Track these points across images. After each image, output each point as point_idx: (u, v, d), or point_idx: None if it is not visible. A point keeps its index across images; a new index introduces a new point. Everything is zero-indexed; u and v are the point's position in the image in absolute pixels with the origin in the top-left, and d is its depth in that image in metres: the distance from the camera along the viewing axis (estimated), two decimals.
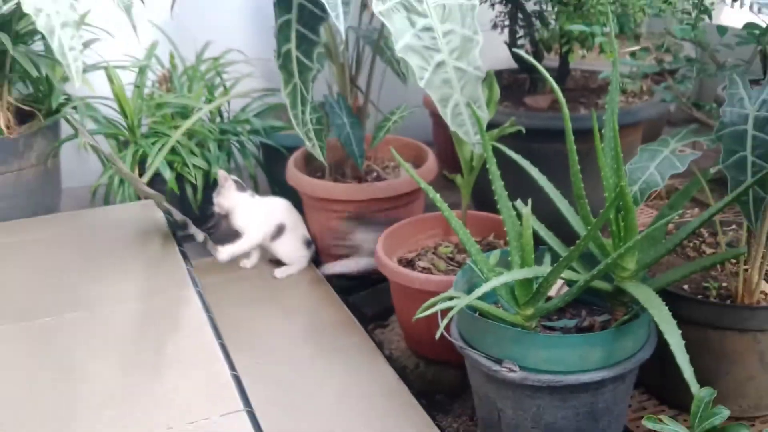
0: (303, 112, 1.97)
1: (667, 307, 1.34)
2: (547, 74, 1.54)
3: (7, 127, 2.33)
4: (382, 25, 2.12)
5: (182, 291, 1.84)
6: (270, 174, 2.71)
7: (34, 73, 2.31)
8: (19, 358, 1.61)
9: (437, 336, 1.38)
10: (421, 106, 2.70)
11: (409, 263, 1.94)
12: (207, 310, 1.75)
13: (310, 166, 2.32)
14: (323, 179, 2.27)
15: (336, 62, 2.22)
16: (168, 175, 2.42)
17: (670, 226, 1.74)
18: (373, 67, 2.26)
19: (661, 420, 1.17)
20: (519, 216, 1.50)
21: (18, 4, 2.18)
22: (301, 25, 1.90)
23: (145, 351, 1.63)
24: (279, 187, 2.67)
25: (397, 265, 1.86)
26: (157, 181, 2.44)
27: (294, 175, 2.26)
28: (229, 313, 2.00)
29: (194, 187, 2.47)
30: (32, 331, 1.69)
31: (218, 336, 1.65)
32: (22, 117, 2.42)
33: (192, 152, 2.47)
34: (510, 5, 2.46)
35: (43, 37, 2.36)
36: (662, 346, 1.32)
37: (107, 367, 1.57)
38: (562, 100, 1.48)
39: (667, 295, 1.43)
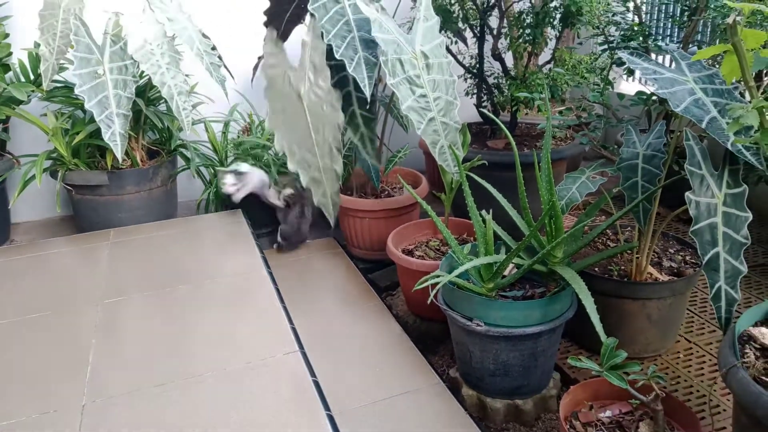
0: (373, 149, 1.98)
1: (584, 282, 1.33)
2: (503, 126, 1.54)
3: (142, 161, 2.34)
4: (393, 92, 2.14)
5: (258, 271, 1.85)
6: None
7: (160, 126, 2.32)
8: (149, 317, 1.63)
9: (429, 301, 1.38)
10: (417, 146, 2.70)
11: (409, 252, 1.93)
12: (275, 283, 1.76)
13: (344, 186, 2.31)
14: (352, 196, 2.26)
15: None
16: None
17: (586, 228, 1.73)
18: (386, 121, 2.25)
19: (580, 359, 1.16)
20: (484, 221, 1.50)
21: (149, 79, 2.21)
22: (360, 93, 1.91)
23: (233, 311, 1.64)
24: None
25: (401, 254, 1.85)
26: None
27: None
28: (287, 287, 2.00)
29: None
30: (157, 299, 1.70)
31: (281, 301, 1.66)
32: (151, 154, 2.44)
33: None
34: (477, 80, 2.45)
35: (166, 101, 2.40)
36: (581, 309, 1.31)
37: (208, 322, 1.58)
38: (513, 142, 1.48)
39: (584, 275, 1.42)
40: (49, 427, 1.19)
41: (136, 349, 1.45)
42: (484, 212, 1.52)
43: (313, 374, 1.32)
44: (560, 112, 1.85)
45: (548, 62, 2.37)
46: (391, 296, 2.06)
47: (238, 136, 2.65)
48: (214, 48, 2.15)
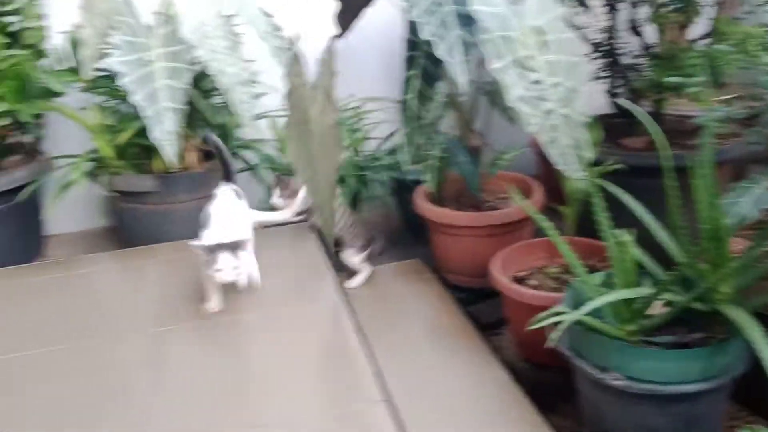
0: (412, 151, 1.97)
1: (760, 328, 1.26)
2: (648, 119, 1.49)
3: (195, 164, 2.46)
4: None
5: (331, 299, 1.88)
6: (400, 204, 2.73)
7: (216, 122, 2.43)
8: (203, 351, 1.69)
9: (546, 345, 1.35)
10: (527, 145, 2.66)
11: (520, 281, 1.91)
12: (351, 315, 1.78)
13: (435, 197, 2.31)
14: (445, 208, 2.26)
15: (457, 110, 2.21)
16: None
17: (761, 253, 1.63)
18: (490, 114, 2.24)
19: (753, 429, 1.10)
20: (620, 242, 1.45)
21: (203, 67, 2.32)
22: (423, 80, 1.90)
23: (303, 347, 1.67)
24: (407, 215, 2.69)
25: (510, 282, 1.83)
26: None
27: (420, 204, 2.27)
28: (363, 320, 2.01)
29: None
30: (212, 329, 1.76)
31: (360, 337, 1.68)
32: (206, 155, 2.55)
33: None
34: (608, 60, 2.39)
35: (221, 93, 2.51)
36: (757, 363, 1.24)
37: (273, 361, 1.62)
38: (663, 141, 1.43)
39: (761, 317, 1.34)
40: None
41: (190, 389, 1.51)
42: (620, 231, 1.47)
43: (402, 429, 1.32)
44: (722, 102, 1.77)
45: (704, 37, 2.28)
46: (496, 335, 2.03)
47: None
48: (279, 29, 2.22)
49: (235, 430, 1.37)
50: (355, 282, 2.21)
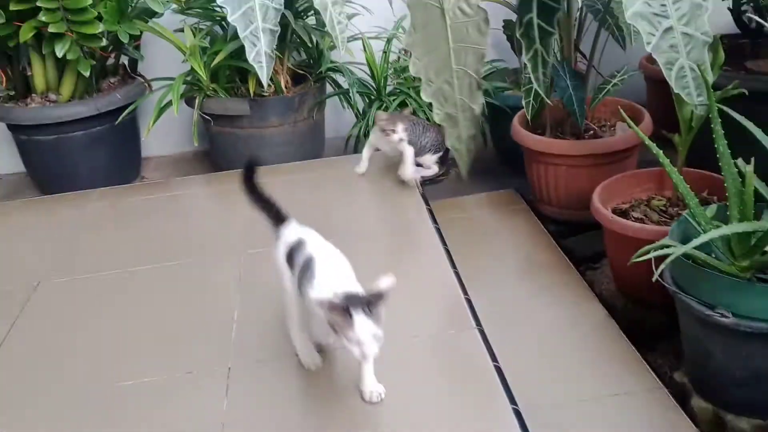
0: (544, 74, 1.93)
1: None
2: None
3: (286, 88, 2.50)
4: None
5: (423, 228, 1.91)
6: (494, 130, 2.69)
7: (309, 44, 2.46)
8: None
9: (654, 279, 1.33)
10: (637, 69, 2.55)
11: (623, 213, 1.86)
12: (444, 243, 1.81)
13: (533, 124, 2.27)
14: (544, 135, 2.22)
15: (564, 30, 2.14)
16: None
17: None
18: (598, 35, 2.15)
19: None
20: (740, 174, 1.39)
21: None
22: None
23: (395, 274, 1.71)
24: (502, 142, 2.66)
25: (612, 214, 1.79)
26: None
27: (518, 131, 2.23)
28: (454, 250, 2.03)
29: None
30: None
31: (453, 266, 1.70)
32: (296, 79, 2.59)
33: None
34: None
35: (316, 13, 2.52)
36: None
37: (365, 286, 1.68)
38: None
39: None
40: (193, 388, 1.36)
41: (281, 311, 1.59)
42: (740, 162, 1.41)
43: (494, 359, 1.35)
44: None
45: None
46: (593, 270, 2.01)
47: (399, 59, 2.71)
48: None
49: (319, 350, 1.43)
50: (412, 172, 2.14)
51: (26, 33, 2.32)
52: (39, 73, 2.53)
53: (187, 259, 1.87)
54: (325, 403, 1.30)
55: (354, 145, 2.60)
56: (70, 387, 1.41)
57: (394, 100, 2.52)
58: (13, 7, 2.28)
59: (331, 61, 2.62)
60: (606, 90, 2.15)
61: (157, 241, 1.99)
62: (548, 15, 1.89)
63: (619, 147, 2.10)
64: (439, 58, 1.68)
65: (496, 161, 2.72)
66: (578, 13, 2.20)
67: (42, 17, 2.27)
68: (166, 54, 2.66)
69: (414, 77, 2.50)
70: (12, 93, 2.60)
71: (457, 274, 1.66)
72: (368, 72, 2.65)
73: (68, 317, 1.66)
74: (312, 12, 2.54)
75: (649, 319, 1.78)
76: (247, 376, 1.38)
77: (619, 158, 2.11)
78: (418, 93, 2.41)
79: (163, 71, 2.67)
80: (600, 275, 1.98)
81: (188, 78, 2.47)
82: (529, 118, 2.11)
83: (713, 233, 1.30)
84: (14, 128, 2.58)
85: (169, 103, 2.38)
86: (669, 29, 1.52)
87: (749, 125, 1.48)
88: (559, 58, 2.18)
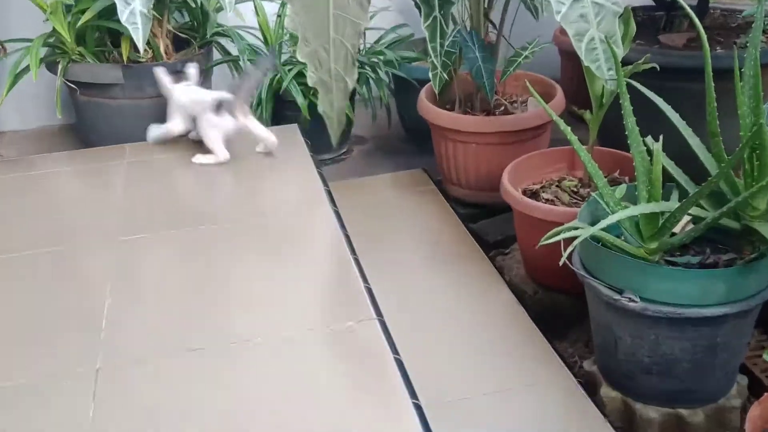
0: (442, 45, 1.98)
1: None
2: (690, 11, 1.48)
3: (166, 53, 2.44)
4: None
5: (320, 209, 1.91)
6: (400, 104, 2.73)
7: (192, 3, 2.41)
8: (176, 262, 1.73)
9: (561, 263, 1.38)
10: (551, 41, 2.63)
11: (533, 195, 1.93)
12: (343, 227, 1.82)
13: (441, 98, 2.31)
14: (453, 111, 2.26)
15: None
16: (300, 101, 2.46)
17: None
18: (507, 5, 2.21)
19: None
20: (649, 152, 1.47)
21: None
22: None
23: (288, 261, 1.71)
24: (408, 117, 2.70)
25: (521, 195, 1.86)
26: (290, 107, 2.52)
27: (425, 106, 2.27)
28: (356, 233, 2.05)
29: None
30: (186, 239, 1.78)
31: (353, 252, 1.71)
32: (178, 44, 2.53)
33: None
34: None
35: None
36: None
37: (253, 273, 1.66)
38: (704, 37, 1.42)
39: None
40: (56, 392, 1.32)
41: (163, 302, 1.56)
42: (650, 139, 1.49)
43: (395, 351, 1.37)
44: None
45: None
46: (503, 255, 2.08)
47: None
48: None
49: (217, 344, 1.41)
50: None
51: None
52: None
53: (51, 247, 1.79)
54: (204, 406, 1.29)
55: None
56: None
57: (290, 70, 2.51)
58: None
59: (218, 25, 2.58)
60: (517, 63, 2.21)
61: (14, 227, 1.90)
62: None
63: (531, 124, 2.17)
64: (318, 21, 1.68)
65: (403, 138, 2.78)
66: None
67: None
68: (23, 11, 2.54)
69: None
70: None
71: (356, 261, 1.67)
72: (261, 38, 2.63)
73: None
74: None
75: (559, 306, 1.86)
76: (118, 378, 1.35)
77: (531, 136, 2.19)
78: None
79: (19, 32, 2.55)
80: (510, 261, 2.05)
81: (50, 40, 2.37)
82: (436, 91, 2.15)
83: (621, 214, 1.37)
84: None
85: (27, 69, 2.28)
86: None
87: (659, 101, 1.57)
88: (468, 28, 2.23)
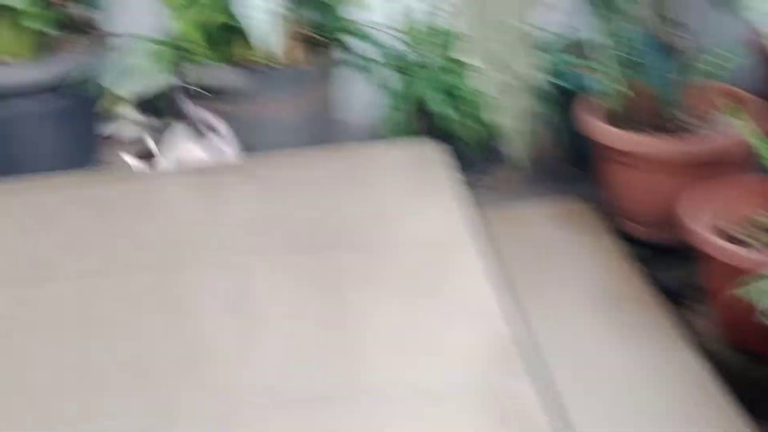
0: (620, 51, 1.95)
1: None
2: None
3: (294, 55, 2.52)
4: None
5: (466, 241, 1.88)
6: (562, 119, 2.68)
7: None
8: (299, 293, 1.73)
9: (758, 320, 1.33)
10: (749, 46, 2.54)
11: (725, 234, 1.87)
12: (497, 265, 1.79)
13: (612, 114, 2.27)
14: (627, 130, 2.21)
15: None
16: (446, 111, 2.49)
17: None
18: (700, 6, 2.16)
19: None
20: None
21: None
22: None
23: (430, 300, 1.69)
24: (571, 135, 2.65)
25: (712, 236, 1.80)
26: (433, 118, 2.53)
27: (592, 123, 2.23)
28: (514, 271, 2.03)
29: (471, 129, 2.52)
30: (309, 267, 1.79)
31: (508, 295, 1.69)
32: (304, 44, 2.59)
33: None
34: None
35: None
36: None
37: (386, 312, 1.63)
38: None
39: None
40: None
41: (284, 341, 1.56)
42: None
43: (557, 416, 1.34)
44: None
45: None
46: (690, 308, 2.02)
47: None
48: None
49: (344, 392, 1.41)
50: None
51: None
52: None
53: (164, 268, 1.83)
54: None
55: (378, 130, 2.61)
56: None
57: (433, 76, 2.53)
58: None
59: (350, 21, 2.63)
60: (709, 73, 2.15)
61: (126, 244, 1.96)
62: None
63: (725, 148, 2.10)
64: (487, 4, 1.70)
65: (563, 159, 2.73)
66: None
67: None
68: (142, 6, 2.69)
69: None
70: None
71: (512, 306, 1.64)
72: (401, 37, 2.66)
73: (13, 341, 1.64)
74: None
75: (764, 376, 1.77)
76: (250, 425, 1.36)
77: (722, 163, 2.12)
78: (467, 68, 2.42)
79: (138, 28, 2.67)
80: (696, 314, 1.99)
81: (172, 39, 2.50)
82: (607, 106, 2.10)
83: None
84: None
85: (143, 70, 2.41)
86: None
87: None
88: (646, 30, 2.18)
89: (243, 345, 1.56)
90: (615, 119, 2.25)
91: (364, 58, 2.64)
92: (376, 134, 2.62)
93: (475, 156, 2.56)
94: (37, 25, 2.47)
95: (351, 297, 1.71)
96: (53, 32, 2.63)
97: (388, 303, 1.68)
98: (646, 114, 2.25)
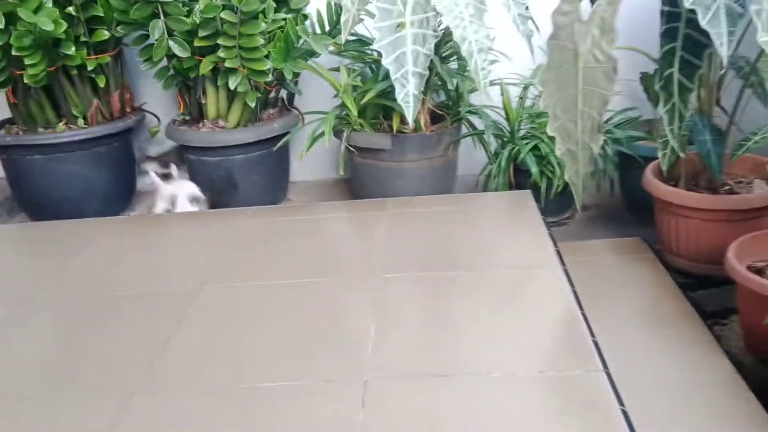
0: (680, 128, 1.89)
1: None
2: None
3: (425, 126, 2.56)
4: (760, 53, 1.96)
5: (550, 267, 1.88)
6: (623, 178, 2.63)
7: (449, 86, 2.51)
8: (426, 300, 1.78)
9: None
10: None
11: (759, 271, 1.76)
12: (571, 284, 1.77)
13: (667, 175, 2.19)
14: (677, 187, 2.14)
15: (705, 85, 2.07)
16: (534, 169, 2.47)
17: None
18: (742, 93, 2.07)
19: None
20: None
21: (442, 34, 2.40)
22: (686, 52, 1.81)
23: (521, 309, 1.70)
24: (630, 191, 2.59)
25: (748, 272, 1.70)
26: (524, 175, 2.53)
27: (651, 181, 2.17)
28: (582, 291, 1.99)
29: (551, 181, 2.50)
30: (433, 281, 1.83)
31: (581, 308, 1.66)
32: (434, 118, 2.64)
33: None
34: None
35: (458, 58, 2.58)
36: None
37: (489, 317, 1.65)
38: None
39: None
40: (332, 395, 1.41)
41: (416, 332, 1.61)
42: None
43: (621, 403, 1.30)
44: None
45: None
46: (722, 326, 1.91)
47: (533, 105, 2.71)
48: None
49: (460, 374, 1.43)
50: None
51: (206, 66, 2.52)
52: (212, 102, 2.73)
53: (327, 277, 1.93)
54: (448, 425, 1.30)
55: (484, 183, 2.61)
56: (218, 383, 1.48)
57: (526, 143, 2.52)
58: (197, 44, 2.49)
59: (469, 104, 2.66)
60: (746, 147, 2.06)
61: (300, 259, 2.07)
62: (690, 71, 1.83)
63: (758, 204, 2.01)
64: (567, 97, 1.70)
65: (624, 209, 2.66)
66: (720, 71, 2.12)
67: (221, 53, 2.47)
68: (318, 90, 2.81)
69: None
70: (187, 117, 2.82)
71: (584, 316, 1.62)
72: (503, 115, 2.67)
73: (222, 320, 1.75)
74: (454, 57, 2.59)
75: None
76: (382, 390, 1.40)
77: (755, 215, 2.02)
78: (551, 139, 2.40)
79: (315, 105, 2.81)
80: (729, 332, 1.87)
81: (339, 113, 2.58)
82: (664, 169, 2.05)
83: None
84: (185, 148, 2.80)
85: (322, 134, 2.50)
86: None
87: None
88: (698, 112, 2.11)
89: (380, 334, 1.61)
90: (670, 179, 2.20)
91: (479, 130, 2.67)
92: (484, 186, 2.63)
93: (554, 203, 2.54)
94: (253, 104, 2.61)
95: (461, 304, 1.74)
96: (260, 108, 2.80)
97: (489, 309, 1.71)
98: (695, 176, 2.18)
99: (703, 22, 1.54)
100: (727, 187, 2.14)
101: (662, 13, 1.83)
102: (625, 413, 1.28)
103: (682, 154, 1.94)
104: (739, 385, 1.62)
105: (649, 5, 1.99)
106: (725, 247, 1.80)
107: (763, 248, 1.85)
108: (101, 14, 2.57)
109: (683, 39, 1.79)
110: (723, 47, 1.52)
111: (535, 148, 2.52)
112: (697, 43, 1.78)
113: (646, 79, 2.50)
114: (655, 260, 2.21)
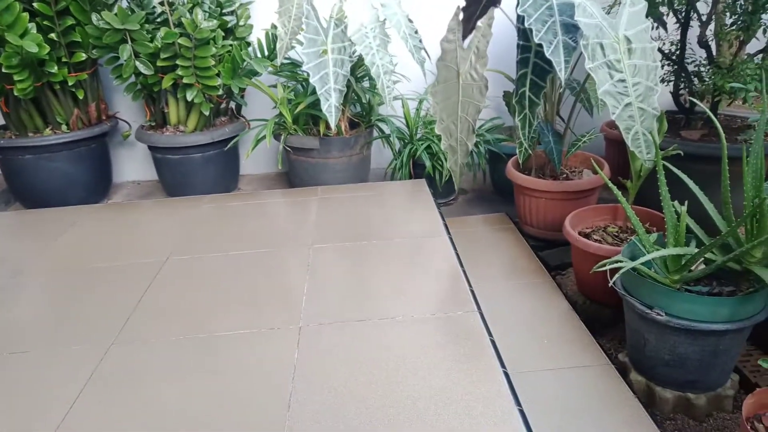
0: (530, 132, 1.96)
1: None
2: (711, 115, 1.41)
3: (345, 131, 2.54)
4: (587, 77, 2.05)
5: (439, 236, 1.92)
6: (492, 169, 2.71)
7: (363, 100, 2.50)
8: (346, 263, 1.77)
9: (610, 285, 1.34)
10: (600, 132, 2.55)
11: (586, 236, 1.86)
12: (455, 248, 1.82)
13: (522, 167, 2.29)
14: (530, 176, 2.23)
15: (549, 100, 2.16)
16: (428, 164, 2.50)
17: None
18: (574, 106, 2.17)
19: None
20: (676, 212, 1.40)
21: (359, 58, 2.38)
22: (534, 76, 1.87)
23: (418, 267, 1.72)
24: (497, 179, 2.68)
25: (578, 235, 1.80)
26: (420, 168, 2.56)
27: (511, 172, 2.24)
28: (462, 253, 2.04)
29: (440, 173, 2.54)
30: (352, 249, 1.84)
31: (461, 265, 1.71)
32: (352, 125, 2.63)
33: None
34: (675, 67, 2.23)
35: (370, 78, 2.58)
36: None
37: (394, 274, 1.68)
38: (722, 134, 1.35)
39: None
40: (274, 339, 1.39)
41: (339, 288, 1.62)
42: (677, 203, 1.42)
43: (490, 334, 1.36)
44: None
45: (761, 51, 2.07)
46: (561, 276, 2.01)
47: (427, 114, 2.74)
48: (416, 32, 2.23)
49: (374, 318, 1.45)
50: None
51: (167, 82, 2.40)
52: (173, 111, 2.61)
53: (270, 248, 1.90)
54: (370, 357, 1.32)
55: (391, 174, 2.63)
56: (183, 334, 1.44)
57: (422, 144, 2.55)
58: (159, 64, 2.37)
59: (378, 114, 2.66)
60: (578, 146, 2.16)
61: (249, 234, 2.03)
62: (537, 89, 1.90)
63: (585, 187, 2.10)
64: (450, 105, 1.74)
65: (493, 192, 2.74)
66: (560, 89, 2.22)
67: (179, 72, 2.35)
68: (260, 102, 2.74)
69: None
70: (153, 124, 2.68)
71: (464, 271, 1.67)
72: (404, 122, 2.70)
73: (185, 283, 1.70)
74: (366, 77, 2.58)
75: (601, 314, 1.78)
76: (314, 334, 1.41)
77: (584, 195, 2.12)
78: (440, 139, 2.45)
79: (258, 114, 2.74)
80: (566, 280, 1.97)
81: (277, 120, 2.53)
82: (520, 162, 2.12)
83: (655, 254, 1.31)
84: (152, 149, 2.65)
85: (264, 137, 2.43)
86: (629, 104, 1.53)
87: (684, 177, 1.49)
88: (543, 120, 2.21)
89: (313, 290, 1.61)
90: (525, 170, 2.28)
91: (386, 134, 2.68)
92: (390, 176, 2.64)
93: (442, 189, 2.58)
94: (207, 112, 2.51)
95: (374, 265, 1.75)
96: (213, 116, 2.69)
97: (395, 268, 1.73)
98: (542, 168, 2.27)
99: (548, 53, 1.60)
100: (564, 175, 2.24)
101: (518, 45, 1.88)
102: (492, 342, 1.34)
103: (531, 152, 2.01)
104: (573, 317, 1.72)
105: (511, 39, 2.05)
106: (563, 219, 1.89)
107: (590, 218, 1.95)
108: (79, 39, 2.40)
109: (533, 66, 1.86)
110: (561, 72, 1.59)
111: (428, 147, 2.55)
112: (543, 69, 1.85)
113: (507, 96, 2.58)
114: (514, 229, 2.30)
